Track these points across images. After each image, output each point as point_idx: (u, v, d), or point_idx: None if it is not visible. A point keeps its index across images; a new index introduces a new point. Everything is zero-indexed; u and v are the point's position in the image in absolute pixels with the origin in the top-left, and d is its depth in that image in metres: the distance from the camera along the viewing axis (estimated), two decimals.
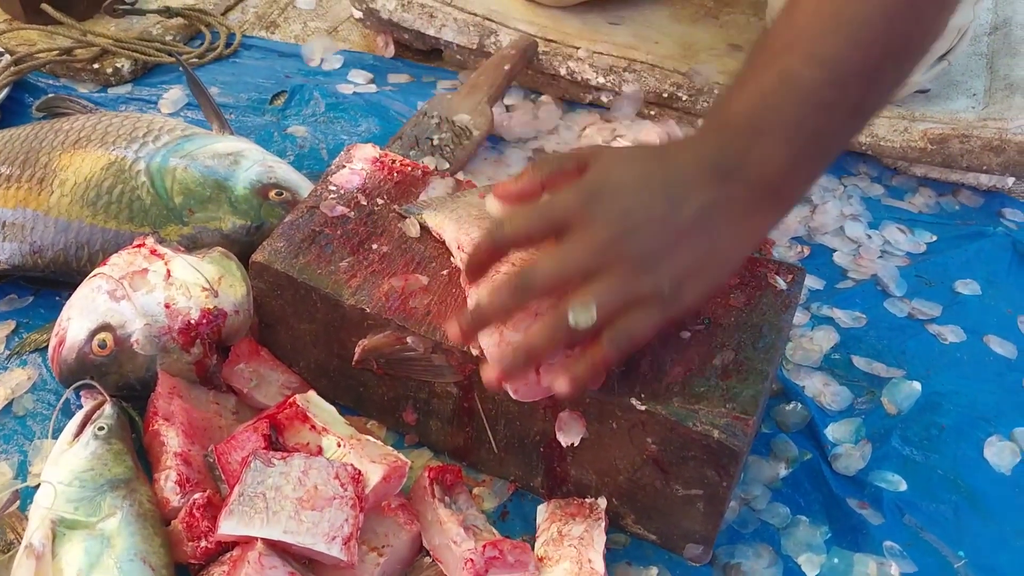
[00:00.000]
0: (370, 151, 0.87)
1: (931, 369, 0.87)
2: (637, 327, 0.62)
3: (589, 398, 0.69)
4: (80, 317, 0.80)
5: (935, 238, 1.03)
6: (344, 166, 0.85)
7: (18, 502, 0.75)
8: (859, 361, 0.88)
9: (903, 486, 0.79)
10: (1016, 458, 0.81)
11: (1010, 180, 1.09)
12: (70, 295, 0.82)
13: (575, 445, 0.72)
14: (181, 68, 1.08)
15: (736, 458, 0.66)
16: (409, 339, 0.74)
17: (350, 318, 0.76)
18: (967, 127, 1.06)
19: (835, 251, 1.01)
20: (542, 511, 0.74)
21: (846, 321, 0.92)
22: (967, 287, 0.97)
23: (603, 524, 0.72)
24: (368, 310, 0.75)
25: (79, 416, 0.76)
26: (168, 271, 0.79)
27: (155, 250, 0.81)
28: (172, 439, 0.75)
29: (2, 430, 0.81)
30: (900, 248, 1.02)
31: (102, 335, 0.79)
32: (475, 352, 0.70)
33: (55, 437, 0.77)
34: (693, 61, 1.19)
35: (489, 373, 0.65)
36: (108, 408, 0.76)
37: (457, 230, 0.77)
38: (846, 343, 0.90)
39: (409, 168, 0.87)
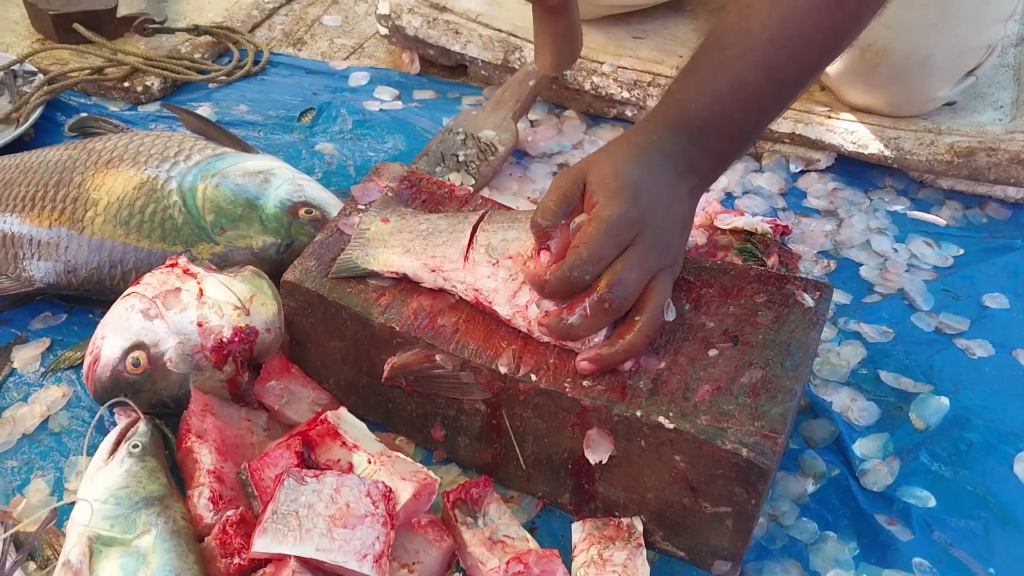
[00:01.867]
0: (397, 170, 0.88)
1: (959, 384, 0.87)
2: (665, 291, 0.72)
3: (617, 416, 0.69)
4: (114, 335, 0.81)
5: (962, 251, 1.03)
6: (372, 184, 0.86)
7: (55, 519, 0.77)
8: (886, 376, 0.88)
9: (932, 502, 0.78)
10: None
11: None
12: (104, 313, 0.84)
13: (603, 463, 0.72)
14: (176, 114, 1.09)
15: (764, 476, 0.66)
16: (438, 357, 0.75)
17: (379, 336, 0.77)
18: (994, 140, 1.06)
19: (861, 265, 1.01)
20: (577, 529, 0.75)
21: (873, 336, 0.92)
22: (995, 301, 0.96)
23: (644, 551, 0.72)
24: (397, 328, 0.75)
25: (113, 434, 0.77)
26: (200, 290, 0.81)
27: (188, 269, 0.82)
28: (205, 456, 0.76)
29: (38, 447, 0.83)
30: (927, 262, 1.01)
31: (136, 353, 0.80)
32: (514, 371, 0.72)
33: (90, 454, 0.79)
34: (675, 61, 1.19)
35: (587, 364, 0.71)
36: (142, 426, 0.77)
37: (416, 260, 0.77)
38: (873, 358, 0.90)
39: (436, 187, 0.87)
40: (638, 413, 0.69)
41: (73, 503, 0.74)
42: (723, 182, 1.10)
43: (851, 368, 0.89)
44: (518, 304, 0.73)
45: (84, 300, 0.94)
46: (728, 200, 1.09)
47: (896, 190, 1.11)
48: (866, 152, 1.09)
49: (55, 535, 0.75)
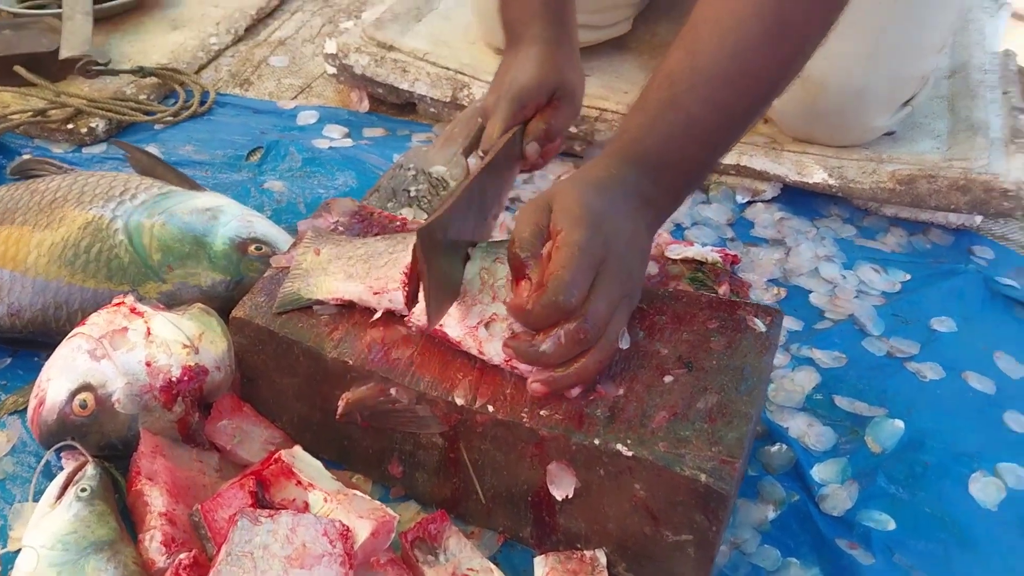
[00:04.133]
0: (348, 205, 0.88)
1: (912, 407, 0.88)
2: (623, 320, 0.73)
3: (575, 445, 0.69)
4: (60, 377, 0.79)
5: (909, 277, 1.05)
6: (322, 219, 0.86)
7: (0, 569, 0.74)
8: (841, 401, 0.89)
9: (891, 525, 0.79)
10: (1001, 493, 0.81)
11: (978, 218, 1.11)
12: (49, 356, 0.82)
13: (568, 498, 0.71)
14: (124, 150, 1.07)
15: (724, 502, 0.66)
16: (393, 390, 0.74)
17: (332, 371, 0.75)
18: (933, 167, 1.09)
19: (811, 292, 1.03)
20: (540, 564, 0.74)
21: (826, 361, 0.93)
22: (943, 324, 0.98)
23: None
24: (351, 362, 0.74)
25: (60, 478, 0.75)
26: (148, 329, 0.79)
27: (135, 308, 0.80)
28: (156, 499, 0.74)
29: None
30: (875, 288, 1.03)
31: (83, 395, 0.78)
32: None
33: (36, 500, 0.76)
34: None
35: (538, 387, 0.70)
36: (90, 469, 0.75)
37: (360, 284, 0.77)
38: (827, 383, 0.91)
39: (388, 221, 0.87)
40: (596, 441, 0.68)
41: (18, 551, 0.72)
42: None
43: (806, 394, 0.89)
44: (468, 325, 0.72)
45: (28, 343, 0.91)
46: (678, 231, 1.10)
47: (842, 218, 1.13)
48: (811, 181, 1.11)
49: None
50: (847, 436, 0.86)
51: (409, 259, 0.76)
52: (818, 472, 0.83)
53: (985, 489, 0.82)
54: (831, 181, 1.10)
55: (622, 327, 0.72)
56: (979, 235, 1.12)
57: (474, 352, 0.73)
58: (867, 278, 1.04)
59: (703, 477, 0.66)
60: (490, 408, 0.71)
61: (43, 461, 0.79)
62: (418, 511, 0.80)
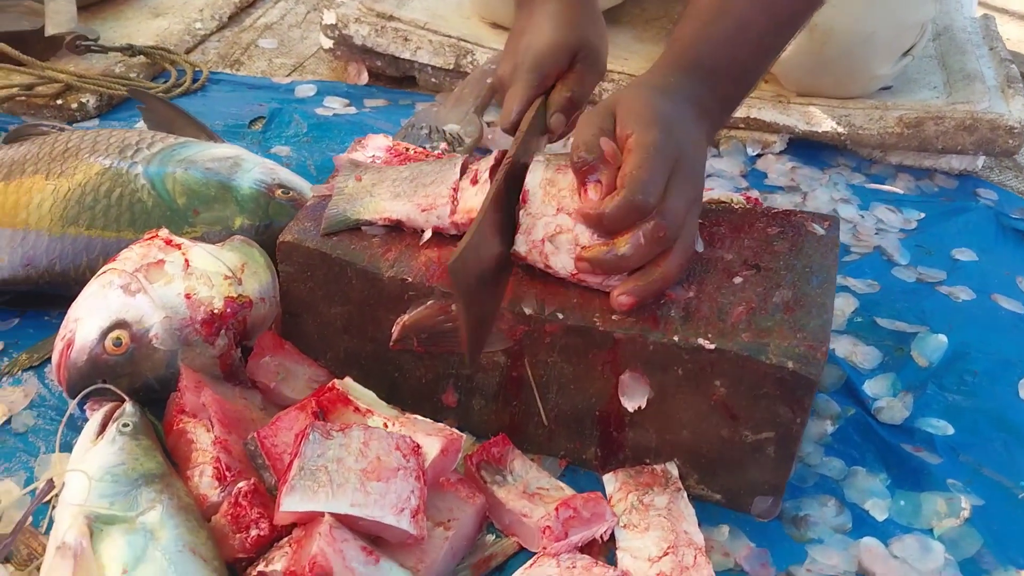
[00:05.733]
0: (382, 140, 0.86)
1: (951, 324, 0.89)
2: (695, 222, 0.72)
3: (652, 345, 0.67)
4: (90, 316, 0.74)
5: (923, 215, 1.06)
6: (358, 152, 0.83)
7: (30, 519, 0.68)
8: (882, 321, 0.89)
9: (950, 430, 0.79)
10: None
11: (979, 162, 1.13)
12: (62, 314, 0.77)
13: (641, 408, 0.69)
14: (142, 101, 1.03)
15: (811, 389, 0.65)
16: (454, 307, 0.71)
17: (389, 292, 0.73)
18: (939, 111, 1.11)
19: None
20: (610, 481, 0.71)
21: (861, 288, 0.93)
22: (963, 254, 1.00)
23: (684, 494, 0.69)
24: (410, 279, 0.72)
25: (97, 417, 0.70)
26: (186, 260, 0.75)
27: (171, 240, 0.77)
28: (202, 435, 0.70)
29: (2, 448, 0.74)
30: (893, 226, 1.04)
31: (116, 333, 0.73)
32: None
33: (64, 450, 0.71)
34: None
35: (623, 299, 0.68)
36: (129, 407, 0.71)
37: (408, 203, 0.75)
38: (866, 307, 0.91)
39: (424, 157, 0.85)
40: (675, 338, 0.67)
41: (49, 503, 0.67)
42: None
43: (847, 317, 0.89)
44: (533, 239, 0.70)
45: (38, 300, 0.86)
46: None
47: (850, 167, 1.15)
48: (820, 130, 1.13)
49: (32, 535, 0.67)
50: (892, 354, 0.86)
51: (456, 175, 0.74)
52: (870, 387, 0.83)
53: None
54: (840, 129, 1.12)
55: (696, 229, 0.71)
56: (981, 179, 1.15)
57: (540, 266, 0.71)
58: (884, 217, 1.05)
59: (790, 364, 0.64)
60: (560, 315, 0.69)
61: (72, 406, 0.74)
62: (473, 443, 0.77)
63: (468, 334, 0.65)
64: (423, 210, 0.74)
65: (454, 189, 0.74)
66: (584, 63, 0.82)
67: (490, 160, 0.73)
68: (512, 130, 0.77)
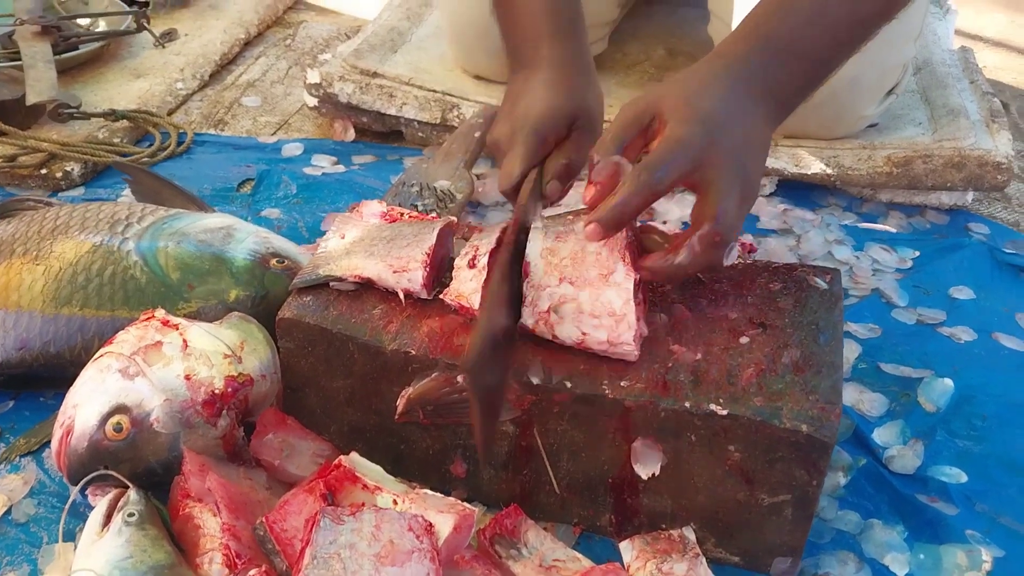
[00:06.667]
0: (377, 206, 0.85)
1: (956, 366, 0.88)
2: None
3: (664, 411, 0.66)
4: (89, 402, 0.73)
5: (918, 253, 1.06)
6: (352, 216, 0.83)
7: None
8: (887, 367, 0.89)
9: (964, 478, 0.78)
10: None
11: (969, 196, 1.14)
12: (60, 395, 0.76)
13: (655, 475, 0.69)
14: (127, 173, 1.02)
15: (827, 452, 0.64)
16: (459, 378, 0.70)
17: (392, 365, 0.72)
18: (926, 148, 1.12)
19: None
20: (627, 548, 0.70)
21: (863, 333, 0.93)
22: (961, 292, 1.00)
23: (703, 560, 0.68)
24: (413, 352, 0.71)
25: (102, 506, 0.69)
26: (185, 341, 0.74)
27: (167, 320, 0.75)
28: (209, 520, 0.69)
29: (3, 540, 0.72)
30: (889, 266, 1.04)
31: (117, 418, 0.72)
32: None
33: (67, 539, 0.70)
34: None
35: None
36: (133, 494, 0.69)
37: (380, 263, 0.74)
38: (869, 352, 0.91)
39: (419, 219, 0.84)
40: (687, 404, 0.66)
41: None
42: (676, 212, 1.11)
43: (851, 364, 0.89)
44: (539, 311, 0.70)
45: (33, 383, 0.84)
46: (684, 226, 1.10)
47: (841, 207, 1.15)
48: (809, 172, 1.13)
49: None
50: (899, 400, 0.86)
51: (433, 241, 0.74)
52: (879, 435, 0.82)
53: None
54: (829, 170, 1.12)
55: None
56: (972, 213, 1.15)
57: (547, 337, 0.70)
58: (879, 257, 1.05)
59: (804, 427, 0.64)
60: (568, 384, 0.68)
61: (72, 495, 0.72)
62: (483, 512, 0.75)
63: (482, 431, 0.66)
64: (395, 271, 0.73)
65: (427, 254, 0.73)
66: (581, 130, 0.80)
67: (491, 242, 0.72)
68: (512, 193, 0.76)
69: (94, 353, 0.77)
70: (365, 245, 0.77)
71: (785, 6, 0.74)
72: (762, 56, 0.72)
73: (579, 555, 0.70)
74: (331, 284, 0.76)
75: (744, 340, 0.71)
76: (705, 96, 0.70)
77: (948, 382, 0.85)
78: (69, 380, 0.76)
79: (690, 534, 0.71)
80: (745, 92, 0.71)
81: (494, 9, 0.88)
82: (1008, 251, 1.06)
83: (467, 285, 0.71)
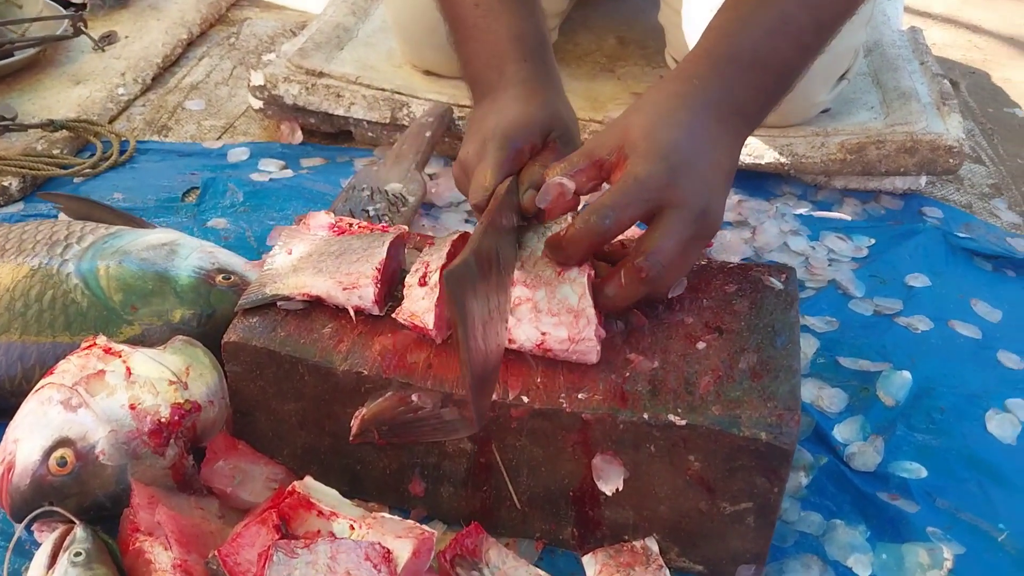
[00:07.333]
0: (324, 218, 0.83)
1: (913, 358, 0.88)
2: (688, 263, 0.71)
3: (623, 424, 0.65)
4: (31, 436, 0.70)
5: (873, 241, 1.06)
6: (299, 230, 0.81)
7: None
8: (845, 361, 0.88)
9: (924, 472, 0.78)
10: (1017, 428, 0.83)
11: (923, 180, 1.14)
12: (1, 426, 0.73)
13: (618, 490, 0.68)
14: (55, 202, 0.99)
15: (787, 459, 0.64)
16: (414, 397, 0.69)
17: (344, 386, 0.70)
18: (879, 134, 1.11)
19: None
20: (590, 563, 0.69)
21: (820, 326, 0.93)
22: (917, 280, 1.00)
23: (667, 571, 0.67)
24: (365, 372, 0.69)
25: (47, 545, 0.66)
26: (128, 369, 0.72)
27: (109, 348, 0.73)
28: (160, 554, 0.66)
29: None
30: (844, 255, 1.04)
31: (60, 452, 0.69)
32: None
33: None
34: (603, 111, 1.21)
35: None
36: (79, 531, 0.67)
37: (329, 279, 0.72)
38: (827, 346, 0.90)
39: (368, 230, 0.82)
40: (645, 416, 0.65)
41: None
42: None
43: (809, 359, 0.89)
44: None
45: None
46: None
47: (795, 196, 1.15)
48: (763, 162, 1.12)
49: None
50: (858, 394, 0.86)
51: (383, 255, 0.72)
52: (839, 432, 0.82)
53: (1002, 425, 0.83)
54: (782, 159, 1.12)
55: (686, 270, 0.70)
56: (926, 197, 1.15)
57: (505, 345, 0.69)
58: (835, 246, 1.05)
59: (763, 435, 0.63)
60: (525, 399, 0.67)
61: (17, 533, 0.70)
62: (444, 531, 0.74)
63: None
64: (344, 288, 0.72)
65: (377, 270, 0.71)
66: (559, 140, 0.76)
67: (441, 257, 0.70)
68: (483, 208, 0.71)
69: (36, 382, 0.74)
70: (313, 261, 0.75)
71: (746, 18, 0.72)
72: (727, 73, 0.71)
73: (542, 572, 0.69)
74: (279, 304, 0.74)
75: (701, 346, 0.70)
76: (670, 126, 0.68)
77: (906, 375, 0.85)
78: (11, 411, 0.74)
79: (653, 545, 0.70)
80: (714, 116, 0.70)
81: (450, 35, 0.85)
82: (962, 235, 1.06)
83: (419, 304, 0.69)
